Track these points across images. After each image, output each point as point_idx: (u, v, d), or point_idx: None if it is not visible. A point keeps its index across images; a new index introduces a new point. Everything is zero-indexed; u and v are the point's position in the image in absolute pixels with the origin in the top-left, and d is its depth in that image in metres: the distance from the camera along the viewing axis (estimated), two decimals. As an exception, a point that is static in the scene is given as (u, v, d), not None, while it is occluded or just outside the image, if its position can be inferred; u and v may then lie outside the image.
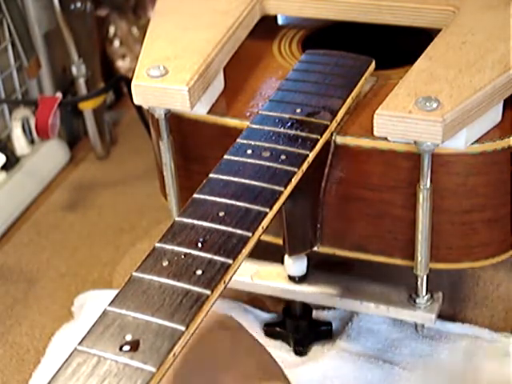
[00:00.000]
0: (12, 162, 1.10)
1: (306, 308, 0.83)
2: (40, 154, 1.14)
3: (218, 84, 0.76)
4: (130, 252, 0.99)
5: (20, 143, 1.12)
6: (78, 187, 1.14)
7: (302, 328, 0.83)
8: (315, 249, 0.75)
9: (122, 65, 1.29)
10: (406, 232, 0.72)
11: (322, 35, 0.87)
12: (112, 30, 1.29)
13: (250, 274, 0.82)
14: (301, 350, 0.83)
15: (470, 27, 0.74)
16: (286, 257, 0.78)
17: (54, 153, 1.17)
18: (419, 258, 0.72)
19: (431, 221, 0.70)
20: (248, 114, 0.74)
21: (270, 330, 0.84)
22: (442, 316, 0.83)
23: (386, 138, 0.68)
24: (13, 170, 1.10)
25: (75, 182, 1.15)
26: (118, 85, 1.24)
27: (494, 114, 0.70)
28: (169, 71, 0.71)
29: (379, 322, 0.84)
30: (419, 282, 0.75)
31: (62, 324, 0.89)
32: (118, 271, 0.97)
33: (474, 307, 0.87)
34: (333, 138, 0.70)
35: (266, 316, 0.87)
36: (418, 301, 0.76)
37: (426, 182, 0.68)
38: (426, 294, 0.76)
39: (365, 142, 0.70)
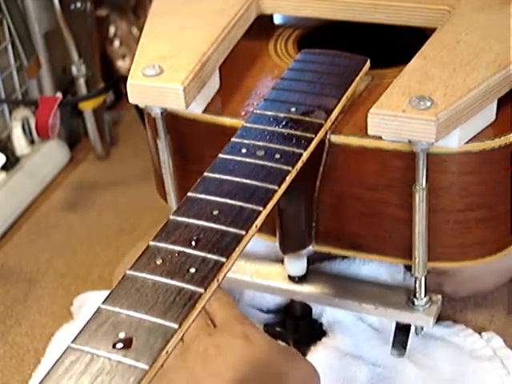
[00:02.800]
0: (12, 162, 1.10)
1: (306, 308, 0.83)
2: (40, 154, 1.14)
3: (214, 83, 0.76)
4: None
5: (20, 143, 1.12)
6: (78, 187, 1.15)
7: (301, 328, 0.83)
8: (310, 247, 0.75)
9: (121, 65, 1.30)
10: (401, 230, 0.72)
11: (318, 34, 0.87)
12: (112, 29, 1.29)
13: (250, 274, 0.82)
14: (300, 349, 0.83)
15: (464, 26, 0.74)
16: (287, 257, 0.79)
17: (54, 153, 1.17)
18: (417, 260, 0.72)
19: (428, 221, 0.70)
20: (243, 113, 0.74)
21: (270, 330, 0.84)
22: (442, 316, 0.83)
23: (380, 137, 0.68)
24: (13, 170, 1.10)
25: (75, 182, 1.16)
26: (118, 85, 1.24)
27: (488, 113, 0.69)
28: (164, 70, 0.71)
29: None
30: (417, 284, 0.74)
31: (61, 324, 0.89)
32: (117, 271, 0.97)
33: (473, 307, 0.87)
34: (327, 136, 0.70)
35: (266, 316, 0.87)
36: (416, 303, 0.76)
37: (421, 182, 0.68)
38: (425, 296, 0.76)
39: (359, 141, 0.69)
